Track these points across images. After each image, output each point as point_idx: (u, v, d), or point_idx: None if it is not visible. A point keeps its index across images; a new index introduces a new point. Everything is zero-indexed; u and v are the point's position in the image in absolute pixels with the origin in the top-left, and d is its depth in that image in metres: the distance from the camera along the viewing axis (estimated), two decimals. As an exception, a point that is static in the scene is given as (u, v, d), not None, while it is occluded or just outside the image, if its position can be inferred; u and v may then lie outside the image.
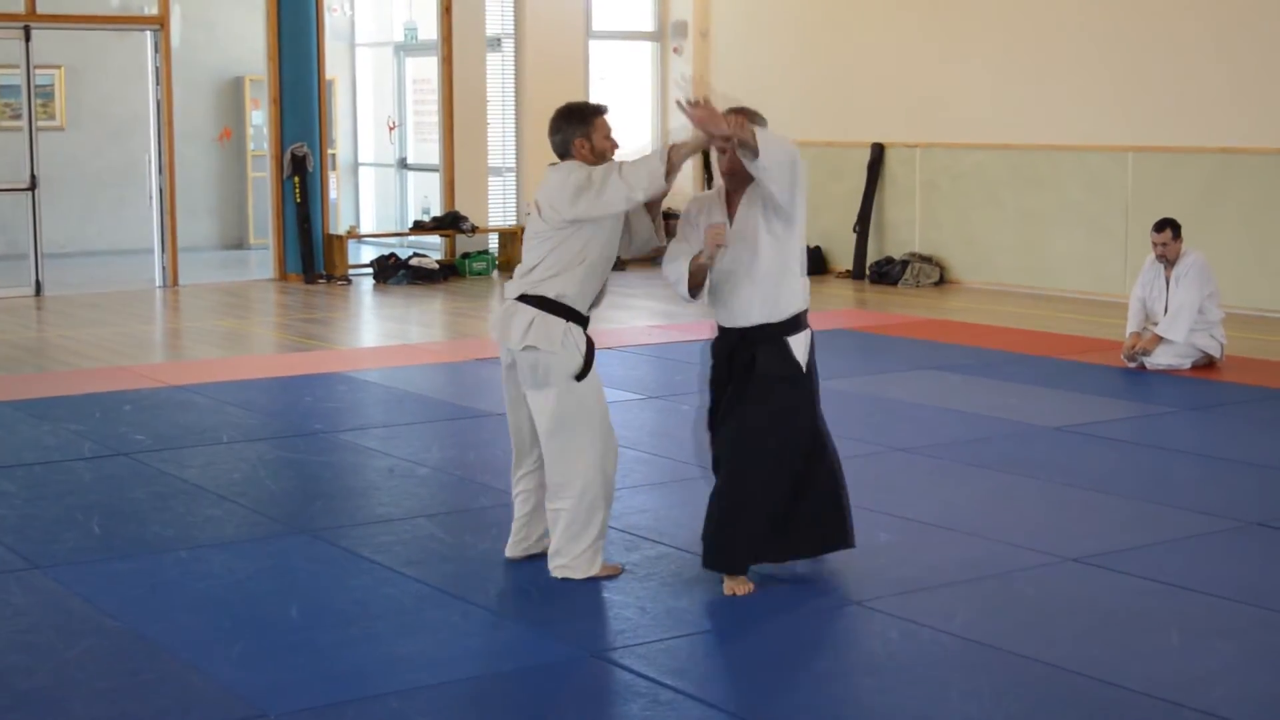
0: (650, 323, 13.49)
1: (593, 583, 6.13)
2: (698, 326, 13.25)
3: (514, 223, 17.65)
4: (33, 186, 15.16)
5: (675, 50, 18.45)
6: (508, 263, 17.28)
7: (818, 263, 16.98)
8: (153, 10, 15.95)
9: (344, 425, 9.25)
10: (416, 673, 5.28)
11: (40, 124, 15.94)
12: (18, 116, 16.27)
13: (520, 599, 5.99)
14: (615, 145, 6.26)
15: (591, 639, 5.54)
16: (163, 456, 8.28)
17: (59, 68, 18.23)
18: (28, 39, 15.15)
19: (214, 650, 5.44)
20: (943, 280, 15.96)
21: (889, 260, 16.28)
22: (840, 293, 15.64)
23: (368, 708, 4.98)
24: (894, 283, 15.96)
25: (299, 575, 6.33)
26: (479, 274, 16.82)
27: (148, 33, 15.90)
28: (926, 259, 16.04)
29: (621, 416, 9.44)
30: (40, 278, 15.12)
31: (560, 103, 6.44)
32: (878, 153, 16.51)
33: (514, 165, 17.85)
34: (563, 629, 5.63)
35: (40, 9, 15.21)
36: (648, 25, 18.65)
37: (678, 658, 5.37)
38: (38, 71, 15.73)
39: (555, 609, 5.84)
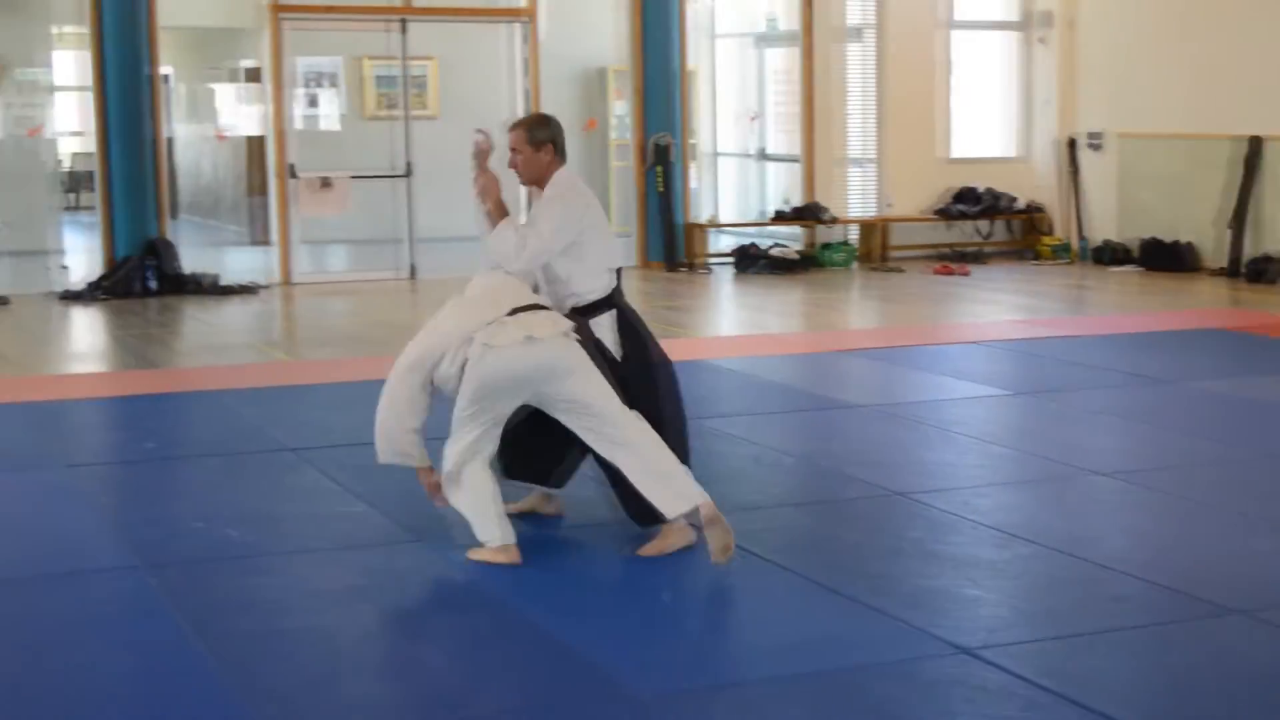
0: (1013, 317, 13.25)
1: (964, 579, 6.06)
2: (1063, 322, 12.98)
3: (874, 214, 17.56)
4: (407, 174, 15.71)
5: (1040, 40, 18.07)
6: (868, 254, 17.22)
7: (1184, 260, 16.40)
8: (521, 3, 16.35)
9: (707, 412, 9.29)
10: (786, 661, 5.28)
11: (414, 113, 16.47)
12: (393, 106, 16.87)
13: (889, 591, 5.93)
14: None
15: (961, 635, 5.45)
16: (534, 438, 8.46)
17: (432, 59, 18.82)
18: (404, 31, 15.70)
19: (588, 629, 5.53)
20: (1325, 279, 15.26)
21: (1267, 258, 15.63)
22: (1212, 291, 15.09)
23: (738, 693, 5.01)
24: (1273, 281, 15.32)
25: (669, 559, 6.36)
26: (838, 265, 16.77)
27: (516, 25, 16.31)
28: (1308, 257, 15.37)
29: (986, 412, 9.34)
30: (414, 261, 15.64)
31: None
32: (1255, 146, 15.87)
33: (874, 156, 17.73)
34: (932, 623, 5.55)
35: (416, 3, 15.74)
36: (1011, 15, 18.30)
37: (1053, 659, 5.25)
38: (412, 63, 16.28)
39: (924, 603, 5.77)
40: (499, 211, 6.49)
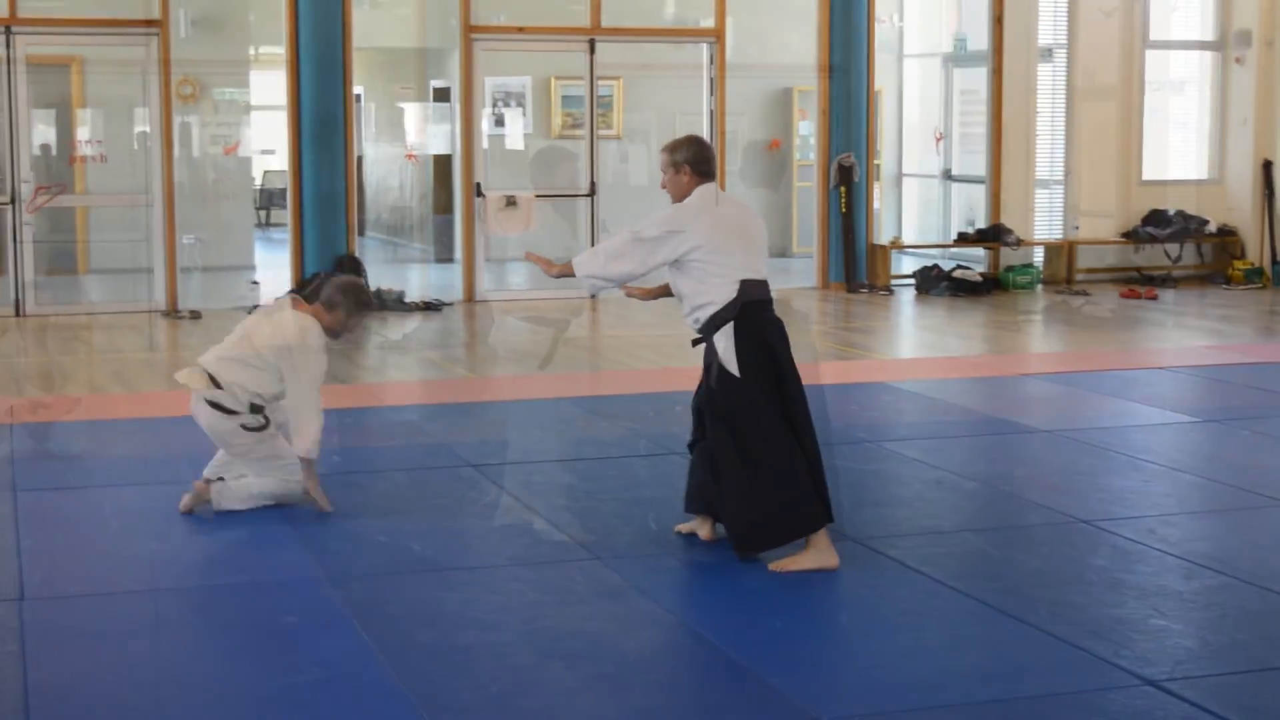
0: (1203, 342, 12.98)
1: (1150, 610, 5.93)
2: (1255, 348, 12.68)
3: (1060, 236, 17.31)
4: (591, 193, 15.83)
5: (1237, 60, 17.68)
6: (1053, 277, 16.98)
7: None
8: (709, 23, 16.40)
9: (888, 435, 9.25)
10: (968, 688, 5.21)
11: (599, 133, 16.59)
12: (579, 126, 17.01)
13: (1072, 620, 5.82)
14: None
15: (1148, 666, 5.34)
16: (713, 457, 8.46)
17: (618, 78, 18.94)
18: (592, 51, 15.83)
19: (765, 650, 5.52)
20: None
21: None
22: None
23: (919, 719, 4.96)
24: None
25: (848, 582, 6.35)
26: (1023, 288, 16.55)
27: (704, 45, 16.36)
28: None
29: (1174, 439, 9.16)
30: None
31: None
32: None
33: (1061, 178, 17.48)
34: (1117, 654, 5.44)
35: (605, 23, 15.86)
36: (1208, 35, 17.93)
37: (1242, 694, 5.12)
38: (598, 82, 16.39)
39: (1108, 632, 5.66)
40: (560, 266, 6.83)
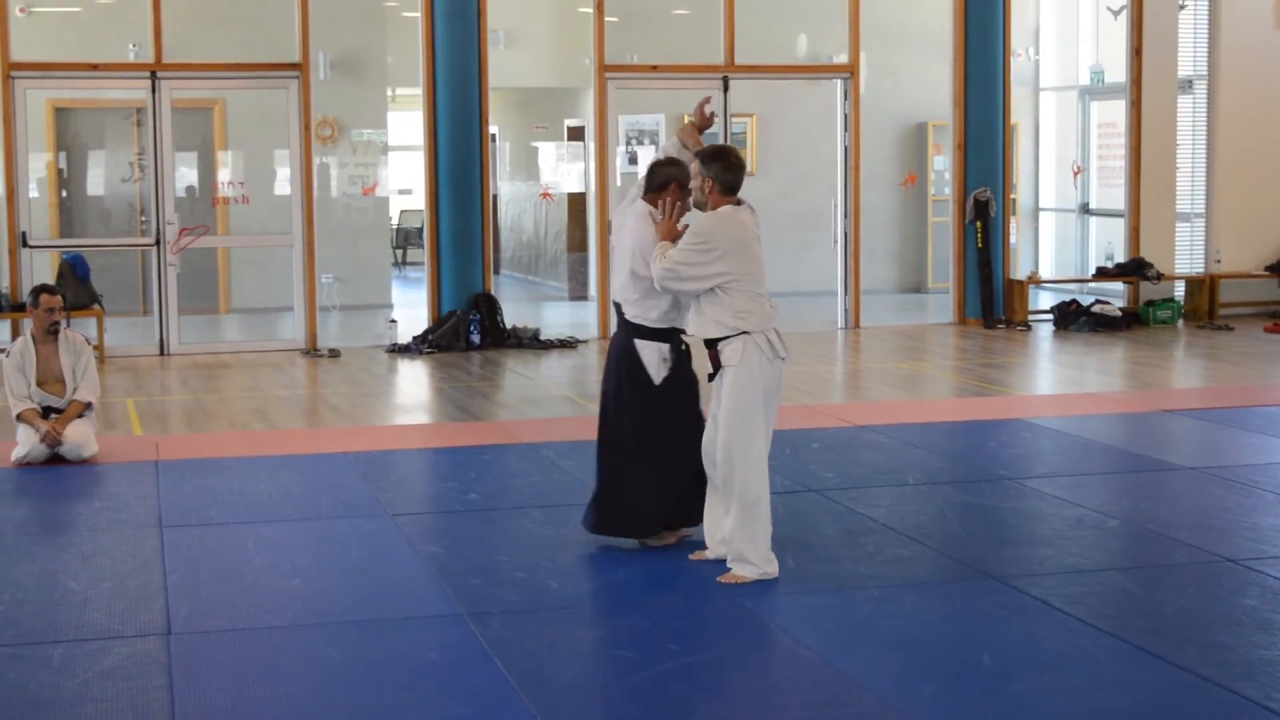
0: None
1: (1302, 651, 5.81)
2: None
3: (1202, 271, 17.06)
4: (725, 229, 15.82)
5: (1383, 90, 17.32)
6: (1195, 311, 16.72)
7: None
8: (843, 59, 16.37)
9: (1028, 472, 9.14)
10: (1114, 730, 5.13)
11: (734, 170, 16.55)
12: (713, 163, 17.01)
13: (1221, 661, 5.71)
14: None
15: (1301, 710, 5.22)
16: (850, 495, 8.42)
17: (751, 115, 18.96)
18: (725, 89, 15.85)
19: (908, 689, 5.46)
20: None
21: None
22: None
23: (1063, 762, 4.89)
24: None
25: (990, 621, 6.27)
26: (1164, 322, 16.31)
27: (838, 81, 16.33)
28: None
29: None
30: (730, 317, 15.69)
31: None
32: None
33: (1203, 211, 17.24)
34: (1269, 696, 5.32)
35: (738, 60, 15.89)
36: (1353, 63, 17.60)
37: (1400, 739, 4.99)
38: (732, 120, 16.41)
39: (1259, 674, 5.54)
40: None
